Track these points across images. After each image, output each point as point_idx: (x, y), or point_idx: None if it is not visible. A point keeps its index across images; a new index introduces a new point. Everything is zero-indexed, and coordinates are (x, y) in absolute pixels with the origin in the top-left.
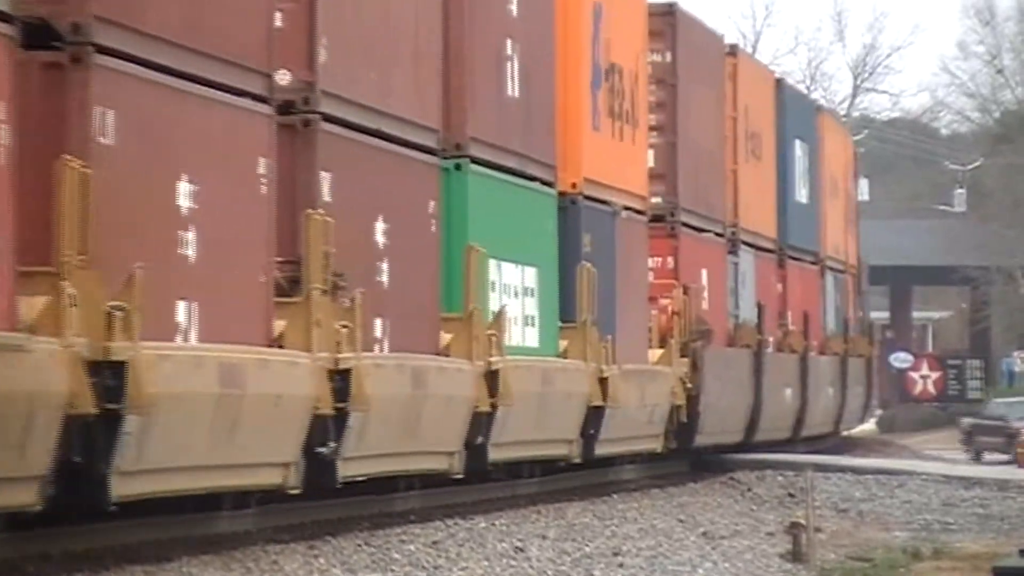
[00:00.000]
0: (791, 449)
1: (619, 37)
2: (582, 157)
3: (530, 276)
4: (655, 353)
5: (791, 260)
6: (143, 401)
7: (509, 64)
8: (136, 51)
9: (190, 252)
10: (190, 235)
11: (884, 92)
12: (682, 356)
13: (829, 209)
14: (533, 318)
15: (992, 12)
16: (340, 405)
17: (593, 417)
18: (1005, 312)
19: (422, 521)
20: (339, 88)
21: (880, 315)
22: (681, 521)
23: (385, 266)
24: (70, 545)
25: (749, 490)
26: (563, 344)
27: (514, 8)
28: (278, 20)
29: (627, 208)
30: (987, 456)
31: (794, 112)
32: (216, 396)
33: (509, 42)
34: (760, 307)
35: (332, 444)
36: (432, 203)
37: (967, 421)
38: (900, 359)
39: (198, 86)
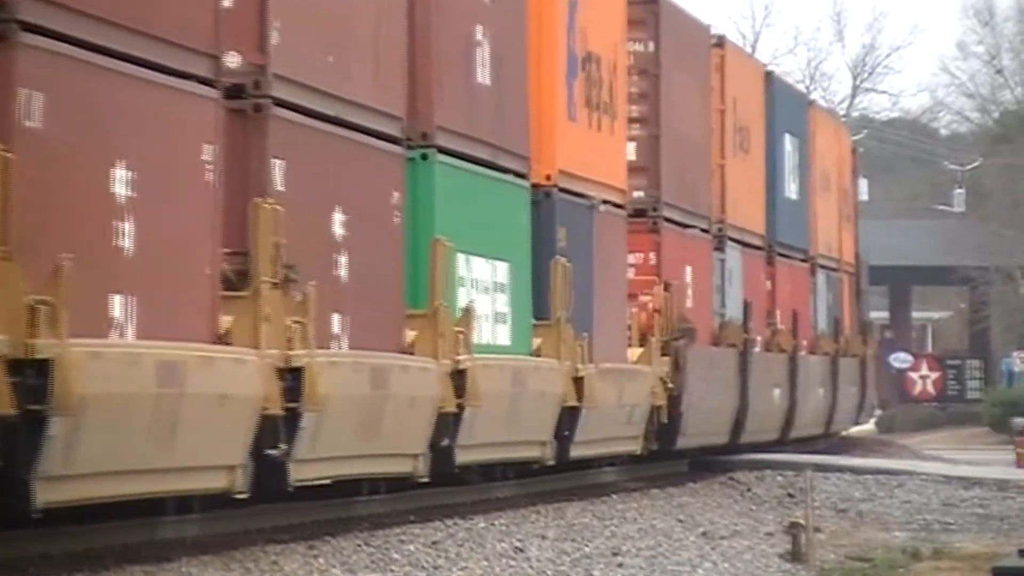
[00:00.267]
0: (787, 450)
1: (596, 25)
2: (557, 148)
3: (502, 271)
4: (635, 352)
5: (780, 257)
6: (70, 402)
7: (479, 51)
8: (68, 29)
9: (126, 243)
10: (126, 225)
11: (883, 92)
12: (663, 355)
13: (820, 205)
14: (504, 315)
15: (991, 12)
16: (292, 405)
17: (568, 418)
18: (1004, 312)
19: (422, 521)
20: (293, 72)
21: (880, 315)
22: (680, 521)
23: (344, 259)
24: (70, 545)
25: (748, 490)
26: (536, 342)
27: None
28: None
29: (605, 202)
30: None
31: (784, 106)
32: (154, 396)
33: (480, 27)
34: (747, 305)
35: (283, 446)
36: (396, 194)
37: (1019, 421)
38: (899, 359)
39: (137, 67)
